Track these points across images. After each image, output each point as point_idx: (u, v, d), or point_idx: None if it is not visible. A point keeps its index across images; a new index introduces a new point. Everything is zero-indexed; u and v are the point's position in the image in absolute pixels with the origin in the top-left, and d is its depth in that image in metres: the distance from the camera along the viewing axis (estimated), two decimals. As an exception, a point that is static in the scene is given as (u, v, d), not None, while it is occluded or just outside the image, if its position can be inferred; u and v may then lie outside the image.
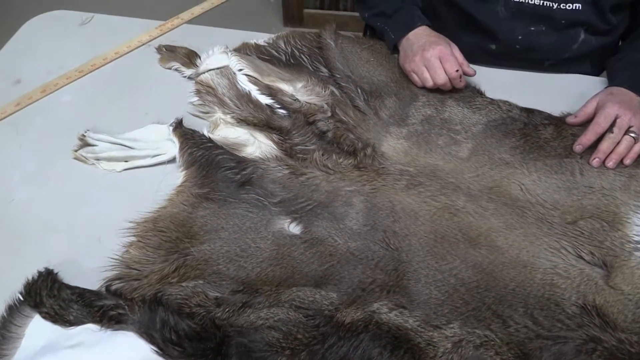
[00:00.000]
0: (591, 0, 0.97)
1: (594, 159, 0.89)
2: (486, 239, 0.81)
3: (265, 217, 0.83)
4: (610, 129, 0.91)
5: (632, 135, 0.90)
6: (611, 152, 0.90)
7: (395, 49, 1.03)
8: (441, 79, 0.95)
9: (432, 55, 0.95)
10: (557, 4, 0.98)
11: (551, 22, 1.00)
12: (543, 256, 0.80)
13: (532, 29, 1.01)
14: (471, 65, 0.98)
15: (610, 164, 0.89)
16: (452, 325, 0.74)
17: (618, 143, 0.90)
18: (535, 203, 0.85)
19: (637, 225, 0.83)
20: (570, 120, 0.94)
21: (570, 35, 1.02)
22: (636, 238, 0.82)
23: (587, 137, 0.90)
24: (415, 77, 0.98)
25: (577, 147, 0.91)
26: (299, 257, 0.79)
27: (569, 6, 0.98)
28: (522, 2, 0.99)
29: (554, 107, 0.98)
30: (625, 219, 0.84)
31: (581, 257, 0.80)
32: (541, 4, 0.98)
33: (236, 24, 1.12)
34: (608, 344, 0.73)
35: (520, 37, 1.02)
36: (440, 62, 0.95)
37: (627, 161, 0.90)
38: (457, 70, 0.94)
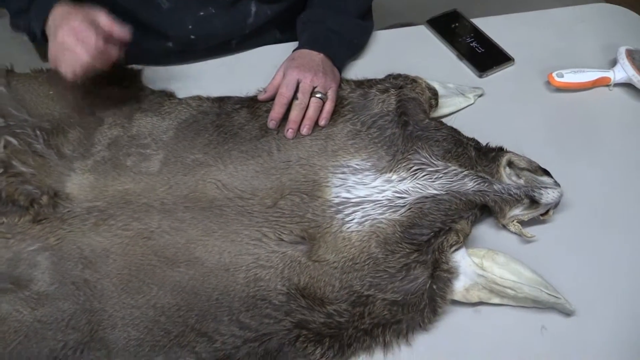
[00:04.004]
0: None
1: (288, 130, 0.86)
2: (184, 254, 0.76)
3: (-63, 314, 0.73)
4: (295, 95, 0.88)
5: (318, 96, 0.88)
6: (303, 119, 0.87)
7: None
8: (83, 57, 0.78)
9: (64, 35, 0.79)
10: None
11: (217, 2, 0.95)
12: (245, 252, 0.76)
13: (202, 14, 0.96)
14: (157, 68, 0.91)
15: (304, 130, 0.87)
16: (153, 363, 0.69)
17: (308, 108, 0.87)
18: (234, 197, 0.81)
19: (336, 187, 0.81)
20: (261, 97, 0.91)
21: (241, 10, 0.97)
22: (336, 200, 0.80)
23: (276, 111, 0.87)
24: (61, 70, 0.81)
25: (271, 124, 0.87)
26: (-21, 347, 0.70)
27: None
28: None
29: (251, 86, 0.94)
30: (324, 184, 0.82)
31: (282, 240, 0.77)
32: None
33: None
34: (315, 323, 0.71)
35: (190, 27, 0.96)
36: (77, 39, 0.79)
37: (322, 122, 0.88)
38: (99, 40, 0.79)
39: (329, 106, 0.88)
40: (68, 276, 0.75)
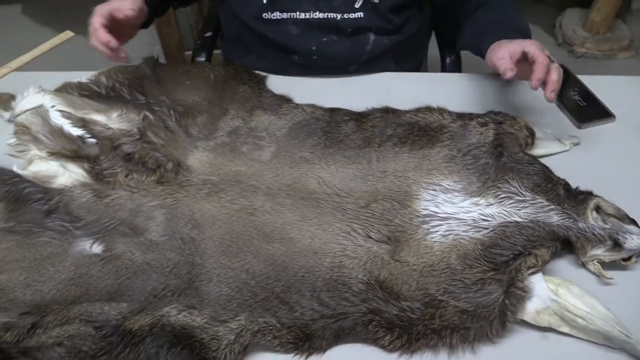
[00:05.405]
0: (371, 7, 1.04)
1: (551, 91, 0.88)
2: (280, 233, 0.84)
3: (67, 241, 0.84)
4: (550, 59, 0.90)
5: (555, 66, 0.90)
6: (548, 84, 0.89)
7: None
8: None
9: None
10: (340, 15, 1.05)
11: (339, 31, 1.07)
12: (334, 241, 0.83)
13: (325, 39, 1.08)
14: (280, 77, 1.02)
15: (553, 95, 0.89)
16: (239, 318, 0.77)
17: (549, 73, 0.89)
18: (332, 193, 0.89)
19: (426, 201, 0.87)
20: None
21: (361, 39, 1.09)
22: (424, 212, 0.86)
23: (542, 71, 0.88)
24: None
25: (534, 84, 0.88)
26: (96, 275, 0.81)
27: (352, 15, 1.05)
28: (308, 18, 1.06)
29: (360, 105, 1.03)
30: (415, 196, 0.88)
31: (370, 237, 0.84)
32: (326, 16, 1.05)
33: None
34: (389, 313, 0.76)
35: (314, 48, 1.08)
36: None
37: (552, 94, 0.89)
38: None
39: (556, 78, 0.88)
40: (178, 232, 0.85)
